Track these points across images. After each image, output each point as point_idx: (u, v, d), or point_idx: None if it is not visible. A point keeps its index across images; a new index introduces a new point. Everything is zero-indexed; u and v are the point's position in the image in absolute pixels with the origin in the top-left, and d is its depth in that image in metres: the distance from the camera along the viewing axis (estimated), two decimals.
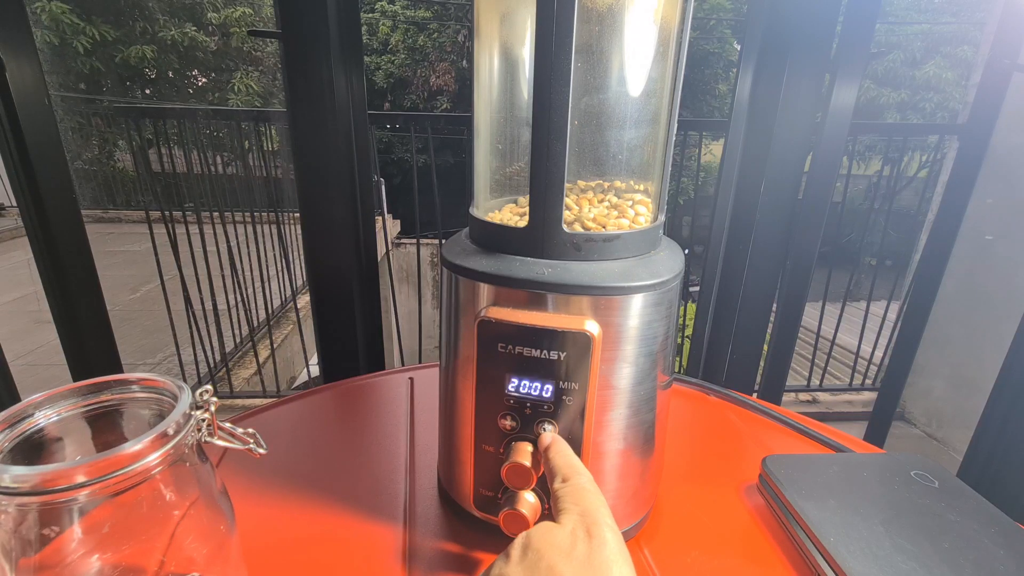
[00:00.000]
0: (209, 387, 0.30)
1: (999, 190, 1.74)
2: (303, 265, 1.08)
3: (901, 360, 1.71)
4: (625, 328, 0.35)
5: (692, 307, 1.53)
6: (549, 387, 0.36)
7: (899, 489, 0.44)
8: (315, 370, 3.02)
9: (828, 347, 2.26)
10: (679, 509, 0.47)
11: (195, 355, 2.21)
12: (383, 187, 5.45)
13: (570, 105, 0.32)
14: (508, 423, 0.37)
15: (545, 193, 0.34)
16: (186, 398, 0.28)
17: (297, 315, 2.72)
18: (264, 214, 2.39)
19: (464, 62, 9.35)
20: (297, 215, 0.97)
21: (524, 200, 0.41)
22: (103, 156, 8.04)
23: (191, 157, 2.04)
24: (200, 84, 8.90)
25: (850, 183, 2.28)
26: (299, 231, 1.00)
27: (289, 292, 2.79)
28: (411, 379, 0.69)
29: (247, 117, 2.51)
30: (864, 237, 2.39)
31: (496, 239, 0.38)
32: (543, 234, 0.35)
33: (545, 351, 0.35)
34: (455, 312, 0.38)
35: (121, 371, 0.42)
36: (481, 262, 0.36)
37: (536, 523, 0.31)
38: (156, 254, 1.99)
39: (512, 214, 0.40)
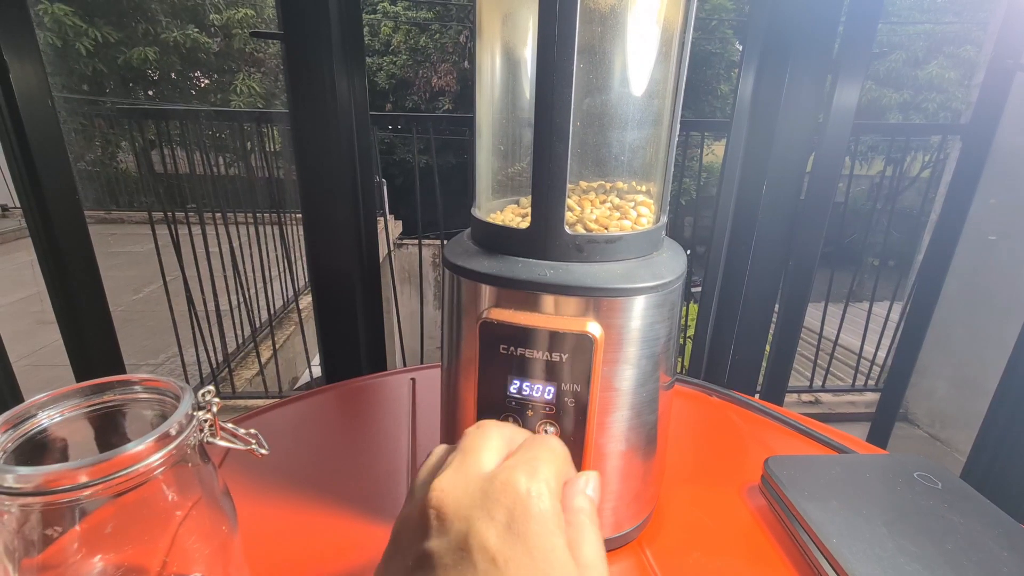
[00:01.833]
0: (211, 388, 0.30)
1: (1002, 190, 1.74)
2: (305, 266, 1.08)
3: (904, 361, 1.70)
4: (627, 330, 0.35)
5: (694, 308, 1.53)
6: (551, 389, 0.36)
7: (902, 490, 0.44)
8: (317, 371, 3.03)
9: (831, 348, 2.26)
10: (681, 510, 0.47)
11: (197, 356, 2.22)
12: (385, 188, 5.45)
13: (572, 106, 0.32)
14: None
15: (547, 194, 0.34)
16: (188, 399, 0.28)
17: (299, 316, 2.72)
18: (266, 215, 2.40)
19: (466, 63, 9.36)
20: (299, 216, 0.97)
21: (526, 201, 0.41)
22: (106, 157, 8.06)
23: (193, 158, 2.04)
24: (202, 85, 8.93)
25: (852, 183, 2.28)
26: (301, 232, 1.00)
27: (291, 293, 2.79)
28: (413, 380, 0.69)
29: (249, 118, 2.52)
30: (867, 237, 2.39)
31: (498, 240, 0.38)
32: (545, 235, 0.35)
33: (547, 353, 0.35)
34: (457, 313, 0.38)
35: (124, 372, 0.42)
36: (483, 263, 0.36)
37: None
38: (159, 255, 1.99)
39: (514, 215, 0.40)
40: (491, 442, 0.26)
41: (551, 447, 0.26)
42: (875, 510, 0.42)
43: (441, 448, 0.28)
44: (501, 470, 0.24)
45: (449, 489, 0.23)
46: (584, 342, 0.34)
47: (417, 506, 0.24)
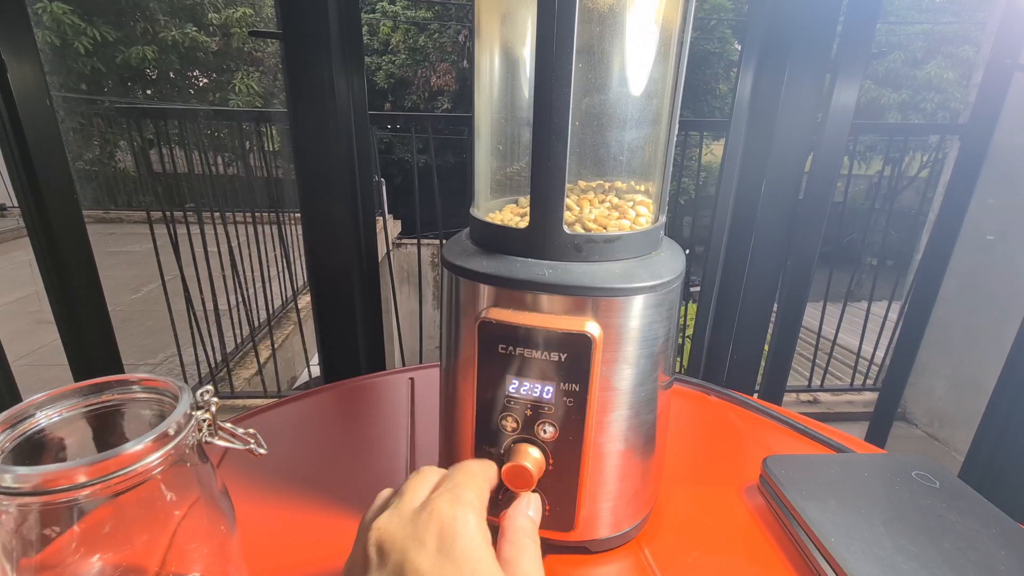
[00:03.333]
0: (210, 387, 0.30)
1: (1001, 190, 1.74)
2: (304, 265, 1.08)
3: (902, 360, 1.71)
4: (626, 329, 0.35)
5: (693, 307, 1.53)
6: (550, 388, 0.36)
7: (900, 490, 0.44)
8: (316, 370, 3.03)
9: (829, 347, 2.26)
10: (680, 510, 0.47)
11: (196, 355, 2.22)
12: (384, 187, 5.45)
13: (571, 105, 0.32)
14: (509, 424, 0.37)
15: (546, 194, 0.34)
16: (187, 398, 0.28)
17: (298, 315, 2.72)
18: (265, 214, 2.40)
19: (465, 62, 9.36)
20: (298, 215, 0.97)
21: (525, 201, 0.41)
22: (104, 156, 8.05)
23: (192, 157, 2.04)
24: (201, 84, 8.92)
25: (851, 183, 2.28)
26: (300, 231, 1.00)
27: (290, 292, 2.79)
28: (411, 379, 0.69)
29: (248, 117, 2.52)
30: (865, 237, 2.39)
31: (497, 240, 0.38)
32: (544, 235, 0.35)
33: (546, 352, 0.35)
34: (455, 313, 0.38)
35: (122, 371, 0.42)
36: (482, 263, 0.36)
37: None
38: (157, 254, 1.99)
39: (513, 215, 0.40)
40: (427, 482, 0.30)
41: (470, 471, 0.30)
42: (873, 509, 0.42)
43: (386, 492, 0.31)
44: (428, 501, 0.27)
45: (386, 526, 0.26)
46: (583, 342, 0.34)
47: (361, 544, 0.27)
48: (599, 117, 0.37)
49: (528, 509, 0.32)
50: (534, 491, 0.37)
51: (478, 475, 0.31)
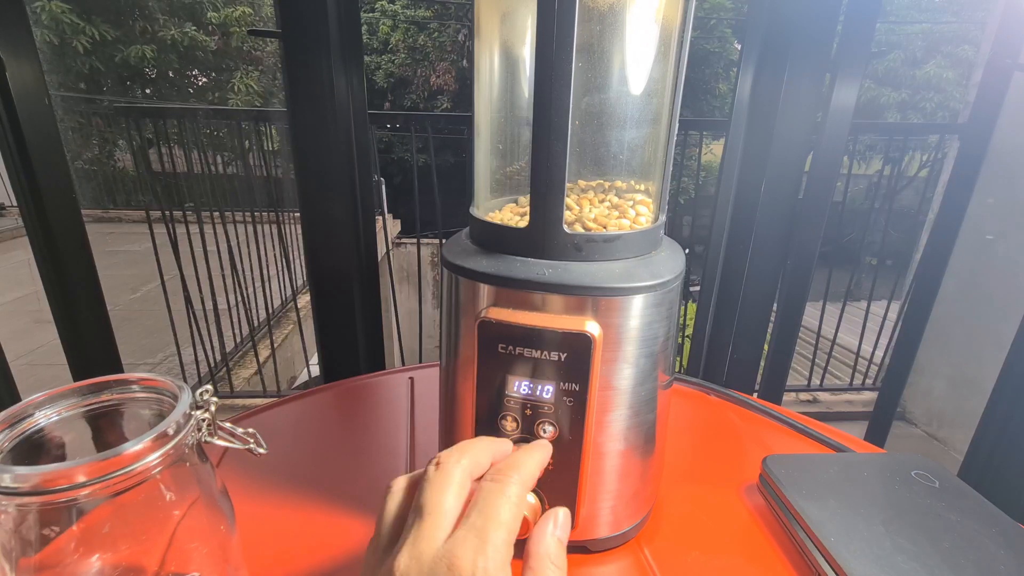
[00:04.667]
0: (209, 387, 0.30)
1: (1000, 190, 1.74)
2: (303, 265, 1.08)
3: (902, 360, 1.71)
4: (626, 329, 0.35)
5: (692, 307, 1.53)
6: (549, 388, 0.36)
7: (900, 489, 0.44)
8: (315, 370, 3.02)
9: (829, 347, 2.26)
10: (679, 509, 0.47)
11: (195, 355, 2.22)
12: (383, 187, 5.46)
13: (571, 105, 0.32)
14: (508, 424, 0.37)
15: (546, 193, 0.34)
16: (186, 398, 0.28)
17: (297, 315, 2.72)
18: (264, 214, 2.40)
19: (464, 61, 9.35)
20: (297, 215, 0.97)
21: (525, 200, 0.41)
22: (103, 156, 8.04)
23: (191, 157, 2.04)
24: (200, 84, 8.91)
25: (851, 183, 2.28)
26: (299, 231, 1.00)
27: (289, 292, 2.79)
28: (411, 379, 0.69)
29: (247, 117, 2.52)
30: (865, 237, 2.39)
31: (496, 239, 0.38)
32: (544, 234, 0.35)
33: (545, 352, 0.35)
34: (455, 312, 0.38)
35: (121, 371, 0.42)
36: (481, 262, 0.36)
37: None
38: (156, 254, 1.99)
39: (512, 214, 0.40)
40: (450, 491, 0.26)
41: (509, 498, 0.26)
42: (873, 509, 0.42)
43: (400, 486, 0.28)
44: (449, 549, 0.24)
45: (405, 573, 0.24)
46: (582, 341, 0.34)
47: None
48: (599, 116, 0.37)
49: (556, 529, 0.29)
50: (538, 494, 0.37)
51: (515, 502, 0.27)
